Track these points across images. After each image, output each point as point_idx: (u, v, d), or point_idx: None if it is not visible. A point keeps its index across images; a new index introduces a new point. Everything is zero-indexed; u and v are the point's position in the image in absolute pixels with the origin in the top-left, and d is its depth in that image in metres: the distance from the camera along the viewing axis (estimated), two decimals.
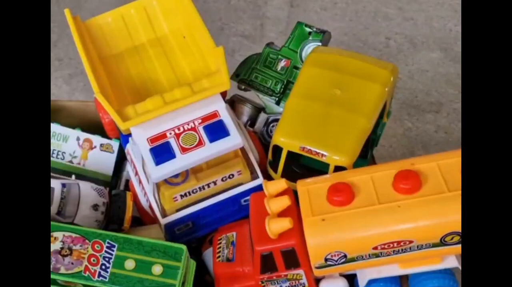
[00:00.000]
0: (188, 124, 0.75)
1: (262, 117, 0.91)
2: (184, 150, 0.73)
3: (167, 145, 0.73)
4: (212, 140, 0.74)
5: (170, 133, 0.75)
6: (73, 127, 0.93)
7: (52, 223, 0.70)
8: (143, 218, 0.83)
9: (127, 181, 0.90)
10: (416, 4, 1.87)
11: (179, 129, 0.75)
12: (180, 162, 0.73)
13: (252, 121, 0.91)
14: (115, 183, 0.92)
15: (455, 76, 1.62)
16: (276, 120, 0.90)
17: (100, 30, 0.90)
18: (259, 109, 0.92)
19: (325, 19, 1.77)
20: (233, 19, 1.75)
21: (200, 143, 0.74)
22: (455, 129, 1.46)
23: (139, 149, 0.75)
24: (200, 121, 0.75)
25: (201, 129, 0.75)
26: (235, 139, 0.74)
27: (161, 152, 0.73)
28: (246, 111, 0.91)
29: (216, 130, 0.74)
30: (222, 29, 1.71)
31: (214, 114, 0.76)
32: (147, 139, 0.75)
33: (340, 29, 1.74)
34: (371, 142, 0.83)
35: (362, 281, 0.71)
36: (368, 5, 1.86)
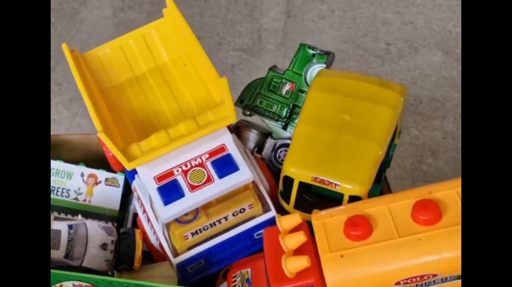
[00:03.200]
0: (195, 160, 0.73)
1: (270, 142, 0.88)
2: (192, 187, 0.71)
3: (175, 184, 0.71)
4: (221, 176, 0.71)
5: (177, 170, 0.72)
6: (76, 162, 0.90)
7: (60, 272, 0.68)
8: (153, 254, 0.81)
9: (135, 215, 0.87)
10: (414, 7, 1.85)
11: (186, 166, 0.73)
12: (190, 201, 0.70)
13: (259, 147, 0.89)
14: (122, 217, 0.90)
15: (459, 79, 1.60)
16: (284, 145, 0.88)
17: (99, 62, 0.88)
18: (265, 134, 0.89)
19: (323, 28, 1.75)
20: (230, 33, 1.73)
21: (209, 180, 0.71)
22: None
23: (146, 187, 0.73)
24: (207, 156, 0.73)
25: (209, 165, 0.72)
26: (244, 174, 0.71)
27: (169, 191, 0.71)
28: (253, 137, 0.89)
29: (225, 165, 0.72)
30: (221, 43, 1.69)
31: (222, 148, 0.73)
32: (154, 178, 0.72)
33: (339, 37, 1.72)
34: (384, 165, 0.81)
35: None
36: (365, 11, 1.84)
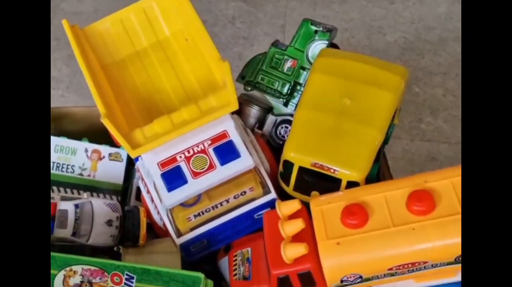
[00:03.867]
0: (197, 146, 0.74)
1: (271, 119, 0.89)
2: (195, 174, 0.73)
3: (178, 170, 0.73)
4: (223, 163, 0.73)
5: (180, 157, 0.74)
6: (80, 135, 0.92)
7: (70, 256, 0.71)
8: (156, 230, 0.84)
9: (139, 189, 0.90)
10: None
11: (189, 152, 0.74)
12: (193, 187, 0.72)
13: (261, 122, 0.90)
14: (126, 190, 0.92)
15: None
16: (285, 121, 0.89)
17: (100, 36, 0.88)
18: (267, 109, 0.90)
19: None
20: None
21: (211, 167, 0.73)
22: None
23: (150, 172, 0.75)
24: (209, 142, 0.74)
25: (211, 151, 0.74)
26: (246, 161, 0.73)
27: (173, 178, 0.73)
28: (254, 113, 0.90)
29: (227, 152, 0.73)
30: None
31: (223, 135, 0.75)
32: (158, 164, 0.74)
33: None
34: (383, 145, 0.82)
35: None
36: None
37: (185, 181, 0.73)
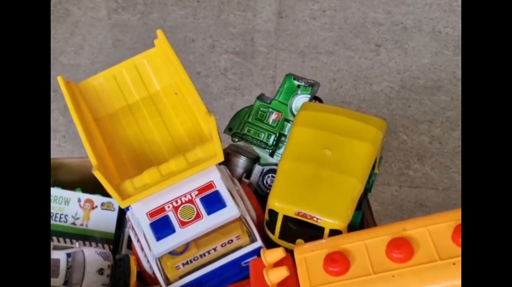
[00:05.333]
0: (185, 196, 0.77)
1: (257, 169, 0.93)
2: (183, 224, 0.76)
3: (166, 220, 0.76)
4: (209, 212, 0.76)
5: (169, 207, 0.77)
6: (74, 185, 0.95)
7: None
8: (147, 279, 0.86)
9: (130, 237, 0.92)
10: (405, 6, 1.87)
11: (176, 202, 0.77)
12: (180, 236, 0.75)
13: (248, 172, 0.93)
14: (118, 238, 0.94)
15: (447, 81, 1.63)
16: (271, 171, 0.92)
17: (94, 91, 0.92)
18: (254, 159, 0.94)
19: (314, 29, 1.78)
20: (223, 35, 1.75)
21: (198, 216, 0.76)
22: (449, 138, 1.48)
23: (139, 222, 0.77)
24: (196, 192, 0.78)
25: (198, 201, 0.77)
26: (232, 210, 0.76)
27: (161, 227, 0.75)
28: (241, 163, 0.93)
29: (213, 202, 0.76)
30: (214, 46, 1.72)
31: (210, 185, 0.78)
32: (147, 214, 0.77)
33: (330, 38, 1.75)
34: (365, 193, 0.85)
35: None
36: (356, 11, 1.86)
37: (173, 230, 0.75)
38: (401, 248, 0.69)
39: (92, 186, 0.94)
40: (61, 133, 1.47)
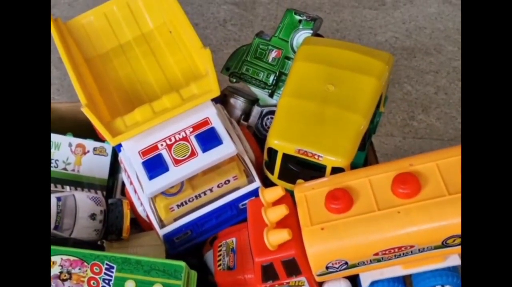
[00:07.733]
0: (179, 134, 0.73)
1: (256, 110, 0.88)
2: (177, 162, 0.72)
3: (159, 158, 0.72)
4: (205, 149, 0.72)
5: (162, 145, 0.73)
6: (64, 131, 0.91)
7: None
8: (141, 223, 0.82)
9: (124, 183, 0.89)
10: None
11: (170, 140, 0.73)
12: (174, 175, 0.71)
13: (246, 114, 0.89)
14: (111, 185, 0.91)
15: (453, 31, 1.58)
16: (271, 112, 0.88)
17: (83, 30, 0.87)
18: (252, 101, 0.89)
19: None
20: None
21: (193, 154, 0.72)
22: (456, 89, 1.43)
23: (131, 162, 0.74)
24: (191, 129, 0.73)
25: (193, 139, 0.73)
26: (228, 148, 0.72)
27: (154, 166, 0.71)
28: (239, 104, 0.89)
29: (209, 139, 0.72)
30: None
31: (205, 122, 0.74)
32: (139, 152, 0.73)
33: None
34: (369, 133, 0.81)
35: (365, 282, 0.71)
36: None
37: (166, 169, 0.71)
38: (408, 183, 0.65)
39: (84, 133, 0.91)
40: (56, 86, 1.42)
